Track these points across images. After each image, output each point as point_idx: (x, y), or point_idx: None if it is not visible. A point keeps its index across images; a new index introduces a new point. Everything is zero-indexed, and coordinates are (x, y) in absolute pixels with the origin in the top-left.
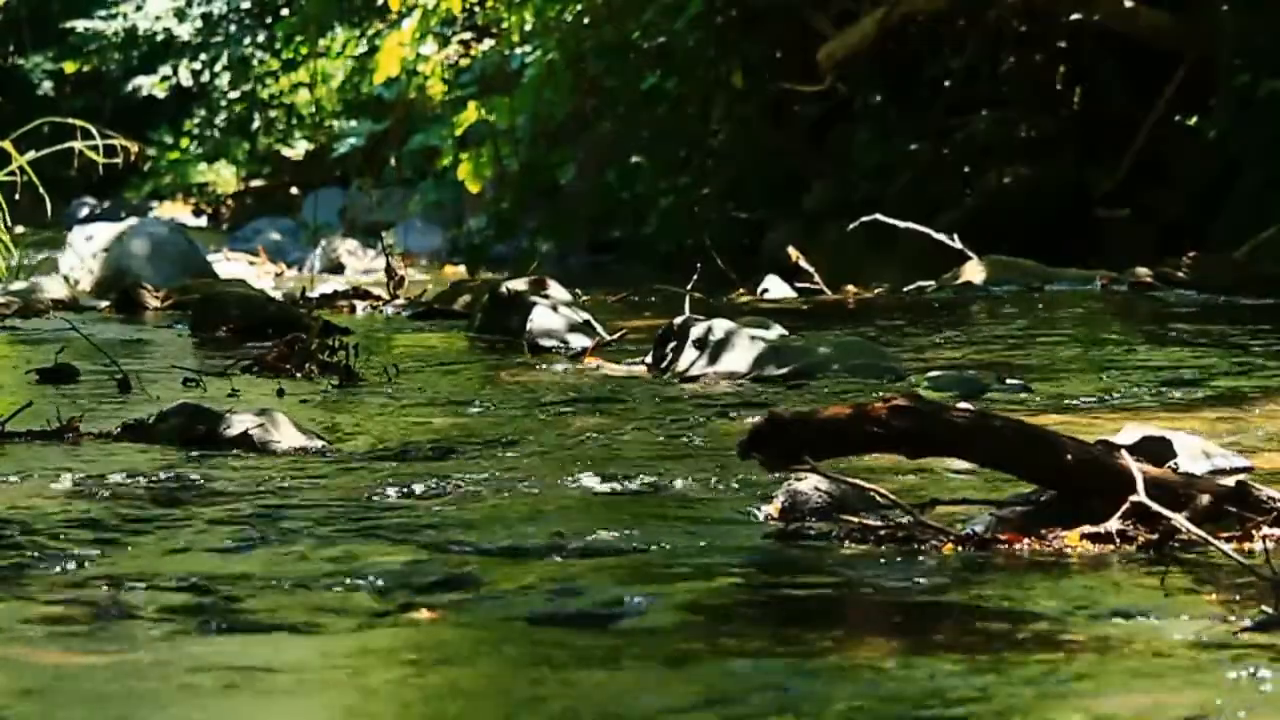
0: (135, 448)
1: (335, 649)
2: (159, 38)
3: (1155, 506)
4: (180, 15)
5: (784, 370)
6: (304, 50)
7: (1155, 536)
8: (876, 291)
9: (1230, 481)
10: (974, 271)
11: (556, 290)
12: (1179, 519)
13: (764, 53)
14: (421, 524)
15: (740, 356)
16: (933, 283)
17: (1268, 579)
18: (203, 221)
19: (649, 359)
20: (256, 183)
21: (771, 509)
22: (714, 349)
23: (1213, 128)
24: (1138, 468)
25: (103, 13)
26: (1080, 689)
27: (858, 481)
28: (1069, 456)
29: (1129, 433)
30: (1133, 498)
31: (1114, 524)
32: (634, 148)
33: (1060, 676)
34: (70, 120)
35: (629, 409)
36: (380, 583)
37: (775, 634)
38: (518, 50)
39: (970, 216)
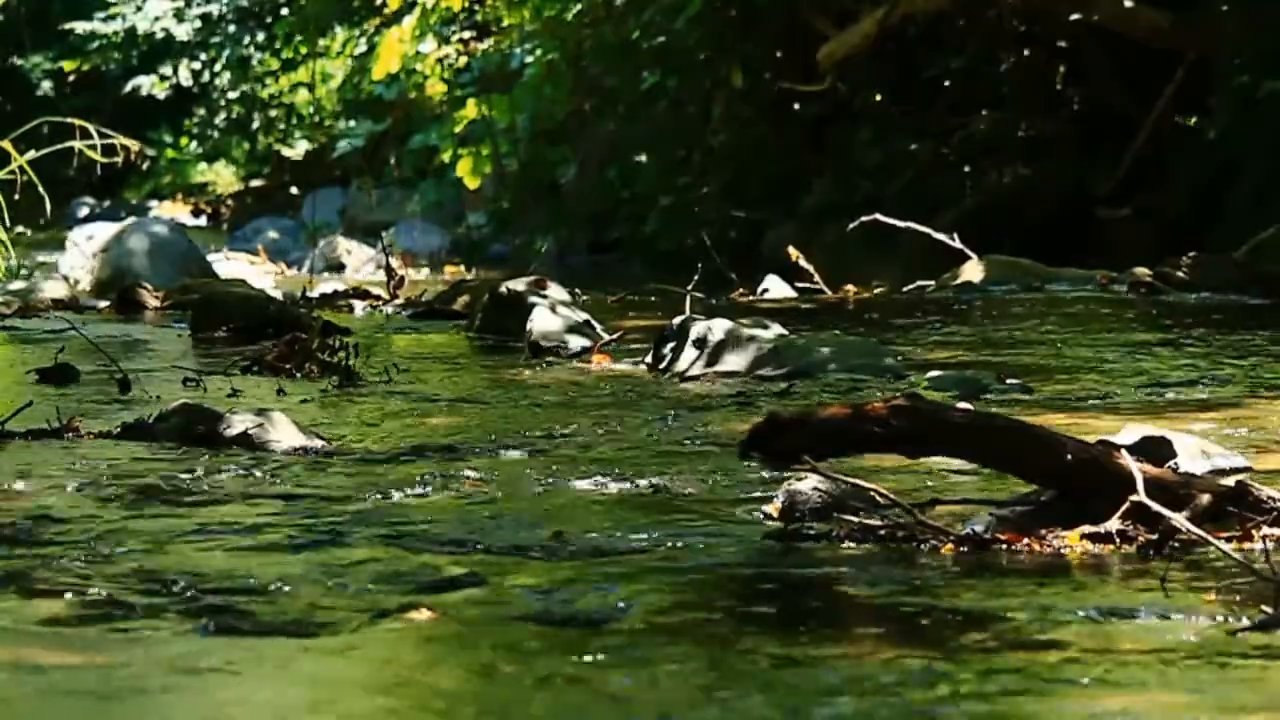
0: (135, 447)
1: (335, 649)
2: (159, 37)
3: (1155, 506)
4: (179, 16)
5: (784, 370)
6: (303, 50)
7: (1155, 536)
8: (876, 291)
9: (1230, 481)
10: (974, 271)
11: (556, 290)
12: (1179, 519)
13: (764, 53)
14: (421, 524)
15: (740, 356)
16: (932, 283)
17: (1268, 579)
18: (202, 221)
19: (649, 359)
20: (256, 183)
21: (771, 509)
22: (714, 349)
23: (1213, 128)
24: (1138, 468)
25: (102, 14)
26: (1079, 689)
27: (858, 481)
28: (1069, 456)
29: (1129, 433)
30: (1133, 498)
31: (1114, 524)
32: (634, 147)
33: (1059, 676)
34: (70, 120)
35: (629, 409)
36: (380, 583)
37: (775, 634)
38: (518, 49)
39: (970, 216)
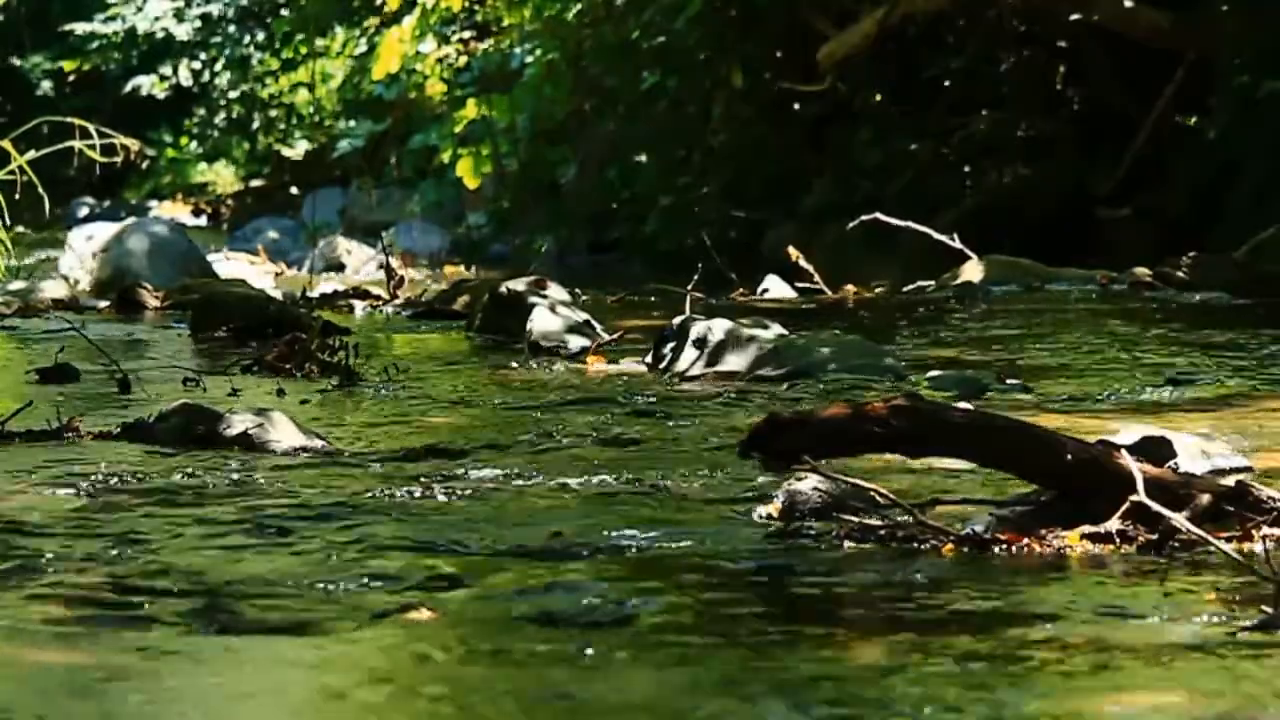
0: (135, 448)
1: (335, 649)
2: (159, 37)
3: (1155, 506)
4: (179, 16)
5: (784, 370)
6: (303, 50)
7: (1155, 536)
8: (876, 291)
9: (1230, 481)
10: (974, 271)
11: (556, 290)
12: (1179, 519)
13: (764, 53)
14: (421, 524)
15: (740, 356)
16: (932, 282)
17: (1268, 579)
18: (202, 221)
19: (649, 359)
20: (256, 183)
21: (771, 509)
22: (714, 349)
23: (1213, 128)
24: (1138, 468)
25: (102, 15)
26: (1080, 689)
27: (858, 481)
28: (1069, 456)
29: (1129, 433)
30: (1133, 498)
31: (1114, 524)
32: (634, 147)
33: (1060, 676)
34: (70, 120)
35: (629, 409)
36: (380, 583)
37: (775, 634)
38: (518, 49)
39: (970, 216)
